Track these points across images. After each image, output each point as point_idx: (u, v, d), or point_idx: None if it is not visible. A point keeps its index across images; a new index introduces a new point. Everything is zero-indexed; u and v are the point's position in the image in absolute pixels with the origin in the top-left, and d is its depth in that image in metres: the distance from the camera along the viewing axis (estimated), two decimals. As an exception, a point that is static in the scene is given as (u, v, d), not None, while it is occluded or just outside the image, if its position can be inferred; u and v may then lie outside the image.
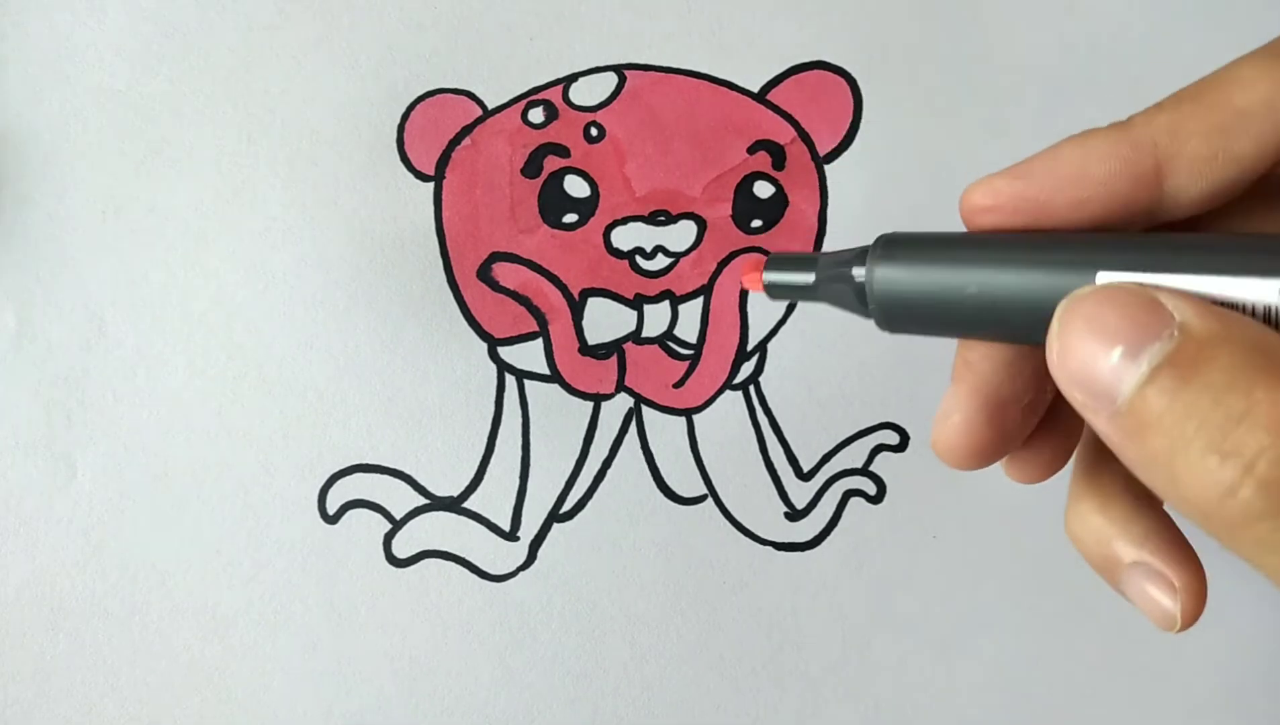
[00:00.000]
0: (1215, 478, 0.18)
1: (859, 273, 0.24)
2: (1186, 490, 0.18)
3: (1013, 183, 0.23)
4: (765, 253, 0.36)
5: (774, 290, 0.27)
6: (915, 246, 0.24)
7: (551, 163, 0.36)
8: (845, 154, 0.37)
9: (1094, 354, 0.19)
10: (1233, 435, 0.17)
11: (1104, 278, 0.20)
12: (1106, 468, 0.27)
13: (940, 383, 0.37)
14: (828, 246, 0.37)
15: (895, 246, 0.24)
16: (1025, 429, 0.26)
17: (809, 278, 0.26)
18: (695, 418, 0.37)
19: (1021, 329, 0.22)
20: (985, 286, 0.22)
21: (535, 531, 0.36)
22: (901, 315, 0.24)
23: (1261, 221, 0.24)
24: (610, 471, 0.36)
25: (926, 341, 0.33)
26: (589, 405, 0.36)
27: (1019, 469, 0.28)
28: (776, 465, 0.37)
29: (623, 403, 0.36)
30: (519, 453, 0.36)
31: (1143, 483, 0.19)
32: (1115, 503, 0.27)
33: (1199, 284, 0.20)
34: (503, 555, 0.36)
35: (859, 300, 0.24)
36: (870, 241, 0.25)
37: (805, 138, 0.36)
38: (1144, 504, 0.28)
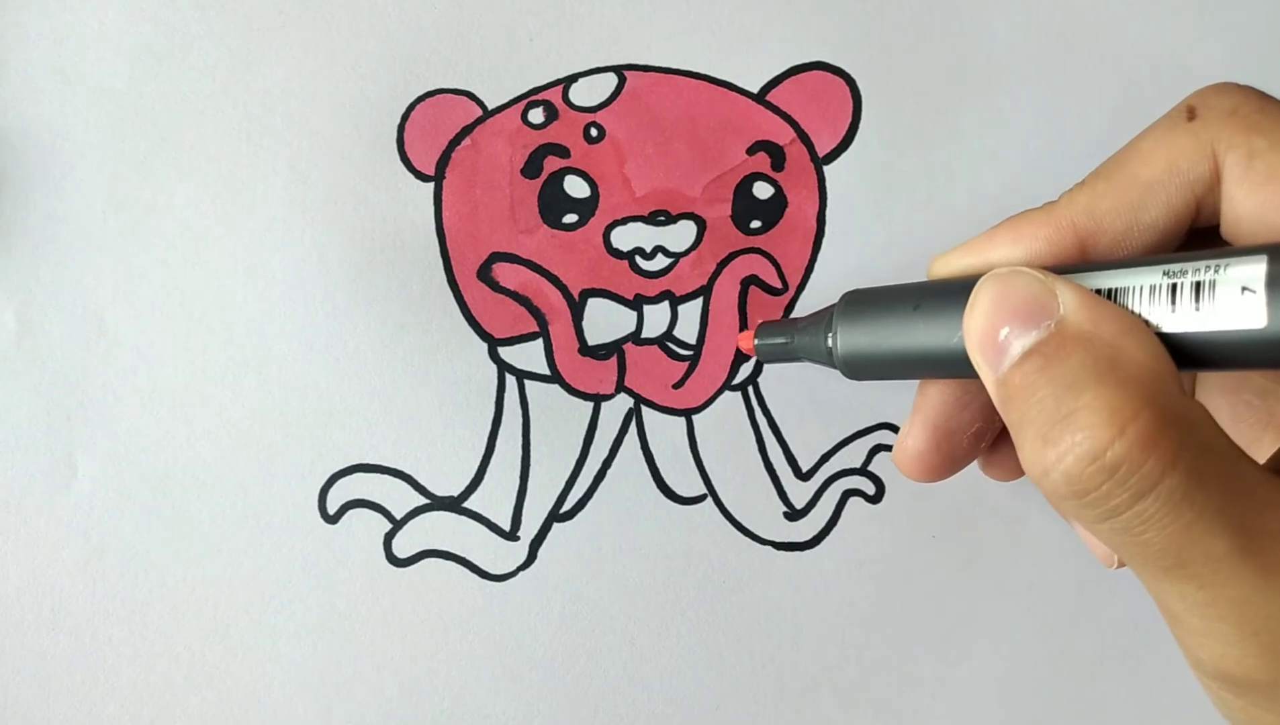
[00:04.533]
0: (1039, 457, 0.21)
1: (829, 339, 0.28)
2: (1023, 459, 0.22)
3: (964, 260, 0.27)
4: (767, 256, 0.36)
5: (763, 352, 0.32)
6: (867, 311, 0.27)
7: (551, 163, 0.36)
8: (844, 155, 0.37)
9: (991, 327, 0.23)
10: (1056, 427, 0.21)
11: None
12: None
13: (940, 383, 0.37)
14: (826, 247, 0.37)
15: (852, 313, 0.27)
16: (973, 452, 0.30)
17: (785, 340, 0.30)
18: (695, 418, 0.37)
19: (962, 369, 0.24)
20: (920, 343, 0.25)
21: (535, 531, 0.36)
22: (862, 371, 0.27)
23: None
24: (610, 471, 0.36)
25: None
26: (589, 405, 0.36)
27: (994, 470, 0.32)
28: (776, 465, 0.37)
29: (622, 403, 0.36)
30: (519, 453, 0.36)
31: None
32: None
33: (1091, 280, 0.23)
34: (503, 555, 0.36)
35: (829, 360, 0.28)
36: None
37: (804, 138, 0.36)
38: None
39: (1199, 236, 0.25)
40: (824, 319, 0.28)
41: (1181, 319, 0.21)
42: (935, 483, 0.30)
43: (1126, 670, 0.38)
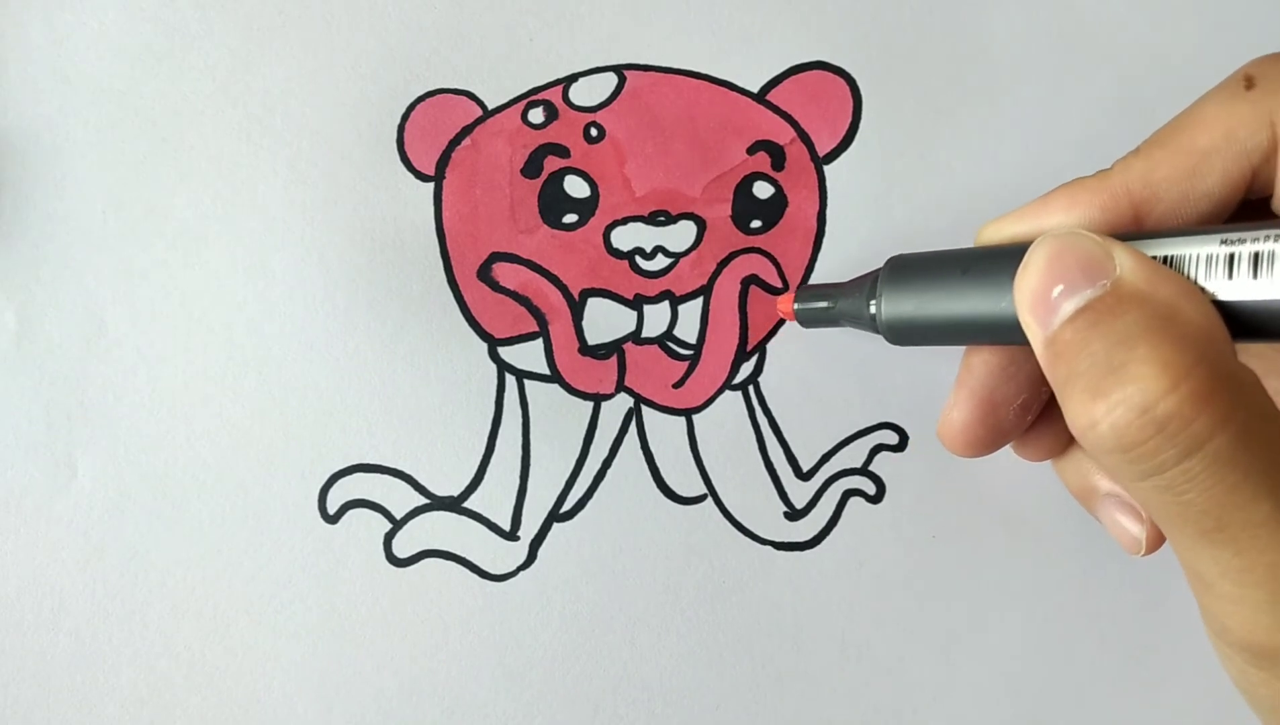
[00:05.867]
0: (1086, 410, 0.21)
1: (871, 306, 0.27)
2: (1069, 415, 0.21)
3: (1015, 226, 0.26)
4: (767, 255, 0.36)
5: (803, 316, 0.31)
6: (913, 275, 0.27)
7: (551, 163, 0.36)
8: (845, 154, 0.37)
9: (1044, 286, 0.22)
10: (1107, 379, 0.20)
11: None
12: None
13: (940, 382, 0.37)
14: (826, 247, 0.37)
15: (897, 277, 0.27)
16: (1019, 426, 0.30)
17: (828, 304, 0.30)
18: (695, 418, 0.37)
19: (1010, 335, 0.24)
20: (970, 309, 0.25)
21: (535, 531, 0.36)
22: (907, 336, 0.27)
23: None
24: (610, 471, 0.36)
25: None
26: (589, 405, 0.36)
27: (1025, 450, 0.32)
28: (776, 465, 0.37)
29: (622, 403, 0.36)
30: (519, 452, 0.36)
31: None
32: None
33: (1147, 247, 0.23)
34: (503, 555, 0.36)
35: (871, 325, 0.28)
36: (873, 267, 0.28)
37: (805, 138, 0.36)
38: None
39: (1249, 208, 0.25)
40: (867, 283, 0.28)
41: (1238, 288, 0.21)
42: (978, 457, 0.30)
43: (1126, 670, 0.38)
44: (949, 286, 0.26)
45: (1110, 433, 0.20)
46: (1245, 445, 0.20)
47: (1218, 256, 0.21)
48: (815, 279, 0.37)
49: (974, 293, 0.25)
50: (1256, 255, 0.21)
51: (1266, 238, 0.21)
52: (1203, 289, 0.21)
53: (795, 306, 0.31)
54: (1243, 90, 0.24)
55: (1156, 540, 0.31)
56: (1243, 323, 0.21)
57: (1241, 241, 0.21)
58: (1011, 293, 0.24)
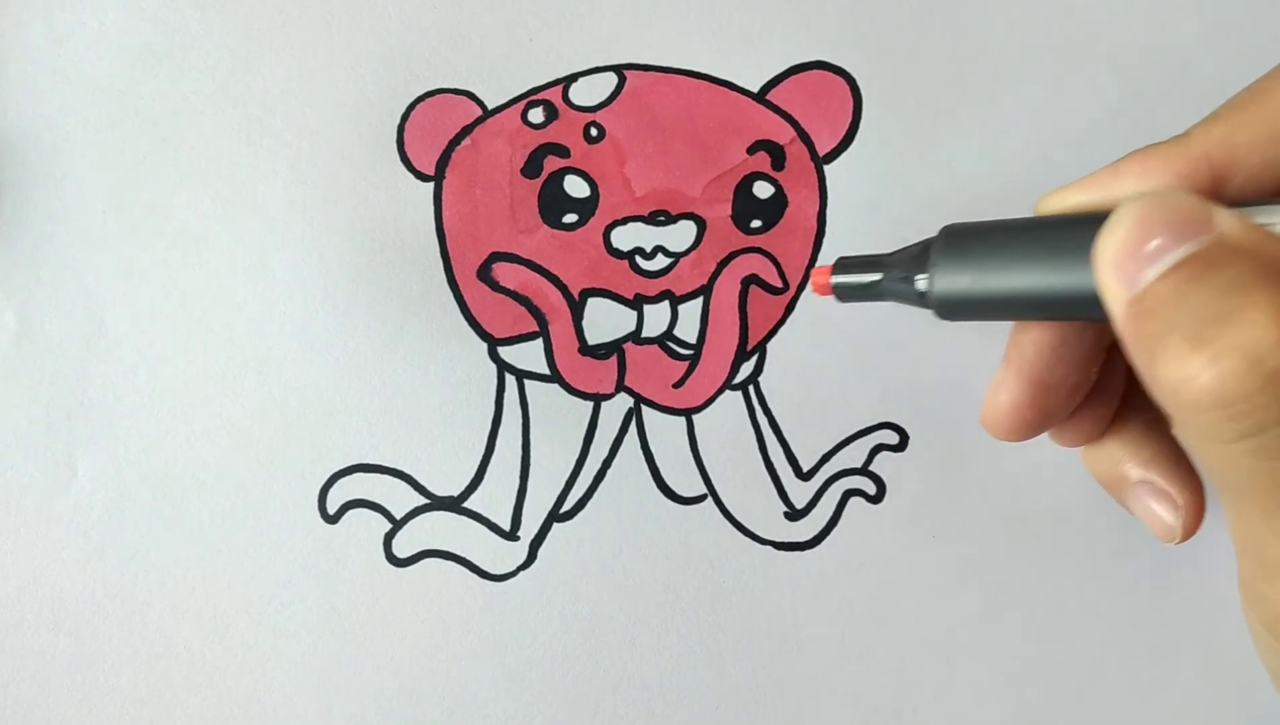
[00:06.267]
0: (1184, 363, 0.19)
1: (920, 280, 0.26)
2: (1158, 372, 0.20)
3: (1081, 195, 0.25)
4: (767, 255, 0.36)
5: (842, 291, 0.29)
6: (971, 244, 0.25)
7: (551, 163, 0.36)
8: (845, 154, 0.37)
9: (1136, 241, 0.21)
10: (1211, 327, 0.19)
11: None
12: (1126, 399, 0.29)
13: (940, 383, 0.37)
14: (827, 247, 0.37)
15: (953, 246, 0.25)
16: (1068, 407, 0.28)
17: (875, 277, 0.28)
18: (695, 417, 0.37)
19: (1075, 307, 0.23)
20: (1038, 280, 0.23)
21: (535, 531, 0.36)
22: (962, 311, 0.25)
23: None
24: (610, 471, 0.36)
25: (926, 343, 0.34)
26: (589, 405, 0.36)
27: (1063, 436, 0.30)
28: (776, 465, 0.37)
29: (622, 403, 0.36)
30: (519, 452, 0.36)
31: (1149, 395, 0.21)
32: (1128, 427, 0.30)
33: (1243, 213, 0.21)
34: (503, 555, 0.36)
35: (920, 298, 0.26)
36: (917, 241, 0.27)
37: (805, 138, 0.36)
38: (1153, 429, 0.30)
39: None
40: (916, 254, 0.27)
41: None
42: (1019, 441, 0.29)
43: (1126, 670, 0.38)
44: (1011, 256, 0.24)
45: (1213, 384, 0.19)
46: None
47: None
48: (815, 279, 0.37)
49: (1040, 262, 0.24)
50: None
51: None
52: None
53: (834, 280, 0.29)
54: None
55: (1192, 527, 0.29)
56: None
57: None
58: (1084, 262, 0.22)
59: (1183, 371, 0.19)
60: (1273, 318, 0.19)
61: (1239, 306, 0.19)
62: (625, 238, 0.36)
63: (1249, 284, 0.19)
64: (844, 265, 0.28)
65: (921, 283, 0.26)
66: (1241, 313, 0.19)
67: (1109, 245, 0.21)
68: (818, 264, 0.36)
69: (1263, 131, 0.23)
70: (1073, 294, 0.23)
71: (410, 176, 0.35)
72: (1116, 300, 0.21)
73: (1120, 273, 0.21)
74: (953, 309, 0.26)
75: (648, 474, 0.36)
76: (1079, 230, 0.23)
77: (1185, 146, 0.24)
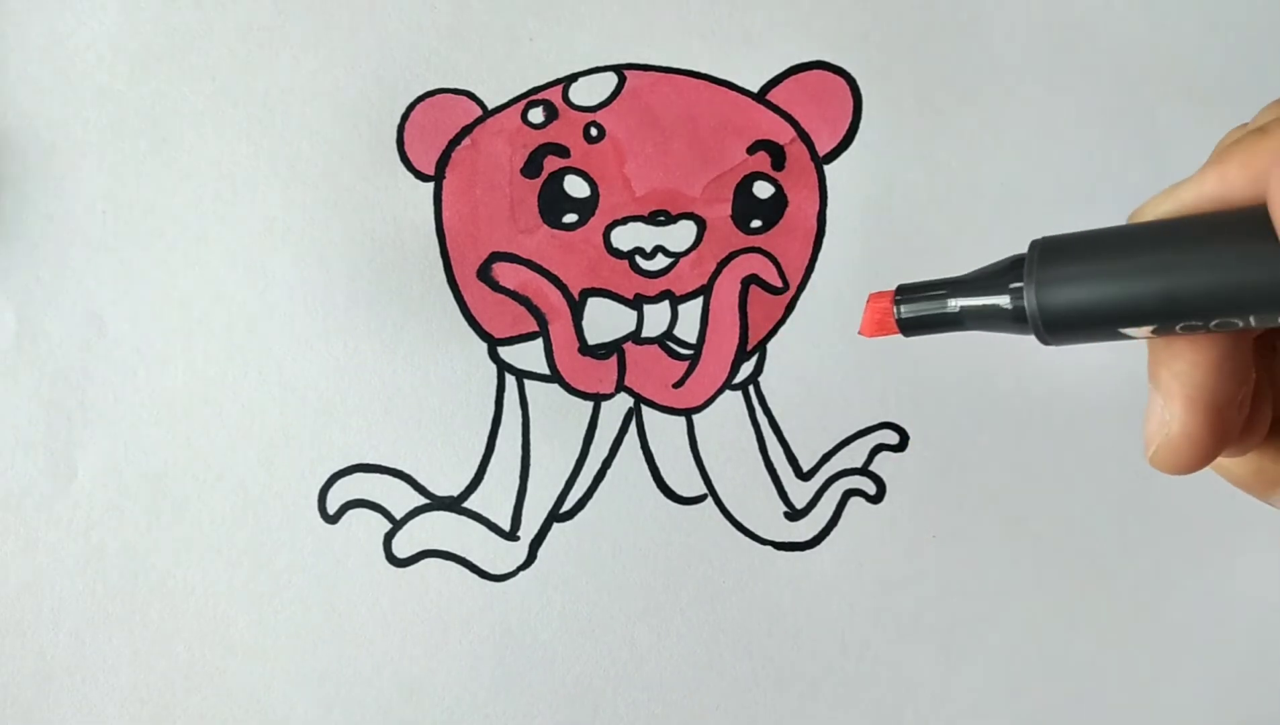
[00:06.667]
0: None
1: (1013, 299, 0.23)
2: None
3: (1184, 207, 0.23)
4: (767, 255, 0.36)
5: (910, 324, 0.25)
6: (1075, 255, 0.23)
7: (551, 163, 0.36)
8: (845, 154, 0.37)
9: None
10: None
11: None
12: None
13: (939, 383, 0.37)
14: (827, 246, 0.37)
15: (1055, 259, 0.23)
16: (1241, 422, 0.26)
17: (952, 306, 0.24)
18: (695, 417, 0.37)
19: (1219, 310, 0.21)
20: (1184, 296, 0.22)
21: (535, 531, 0.36)
22: (1071, 328, 0.23)
23: None
24: (610, 471, 0.36)
25: (926, 343, 0.33)
26: (589, 405, 0.36)
27: (1238, 446, 0.27)
28: (776, 465, 0.37)
29: (622, 402, 0.36)
30: (519, 452, 0.36)
31: None
32: (1272, 432, 0.27)
33: None
34: (503, 555, 0.36)
35: (1014, 320, 0.24)
36: (988, 263, 0.24)
37: (805, 138, 0.36)
38: None
39: None
40: (1003, 271, 0.24)
41: None
42: (1200, 470, 0.26)
43: (1126, 670, 0.38)
44: (1129, 260, 0.22)
45: None
46: None
47: None
48: (816, 279, 0.37)
49: (1169, 261, 0.21)
50: None
51: None
52: None
53: (903, 313, 0.24)
54: None
55: None
56: None
57: None
58: (1230, 255, 0.20)
59: None
60: None
61: None
62: (625, 238, 0.36)
63: None
64: (910, 293, 0.24)
65: (1012, 302, 0.23)
66: None
67: None
68: (812, 277, 0.36)
69: None
70: (1222, 286, 0.21)
71: (410, 176, 0.35)
72: None
73: None
74: (1062, 325, 0.23)
75: (648, 474, 0.36)
76: (1209, 221, 0.21)
77: (1267, 143, 0.21)
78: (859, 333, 0.26)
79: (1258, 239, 0.21)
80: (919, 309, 0.25)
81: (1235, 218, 0.21)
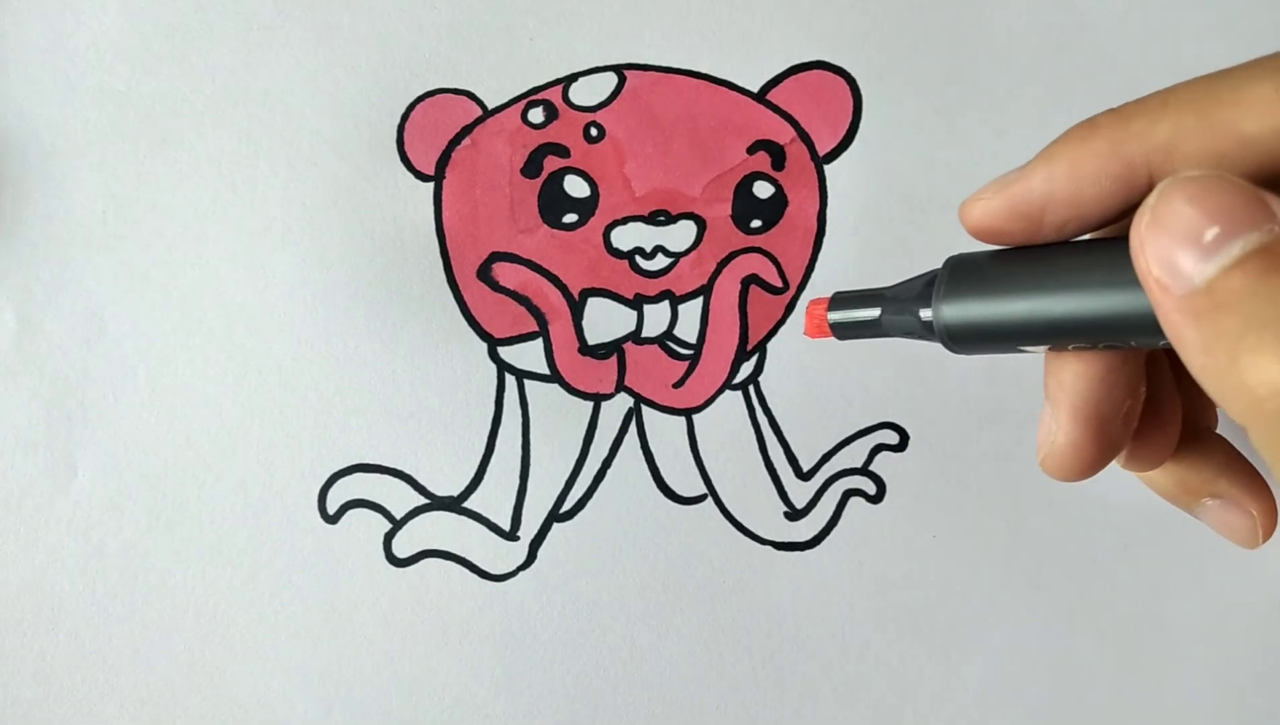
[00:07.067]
0: (1270, 373, 0.18)
1: (925, 313, 0.25)
2: (1241, 375, 0.18)
3: (1008, 204, 0.23)
4: (767, 255, 0.36)
5: (841, 329, 0.27)
6: (980, 274, 0.24)
7: (551, 163, 0.36)
8: (845, 154, 0.37)
9: (1187, 230, 0.19)
10: None
11: None
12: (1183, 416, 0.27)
13: (939, 383, 0.37)
14: (827, 246, 0.37)
15: (962, 277, 0.24)
16: (1128, 434, 0.26)
17: (874, 313, 0.26)
18: (695, 417, 0.37)
19: (1101, 331, 0.22)
20: (1064, 306, 0.22)
21: (535, 531, 0.36)
22: (973, 342, 0.24)
23: None
24: (610, 471, 0.36)
25: (926, 343, 0.34)
26: (589, 405, 0.36)
27: (1134, 462, 0.28)
28: (776, 465, 0.37)
29: (622, 402, 0.36)
30: (519, 452, 0.36)
31: (1193, 374, 0.19)
32: (1189, 444, 0.28)
33: None
34: (503, 555, 0.36)
35: (928, 332, 0.25)
36: (917, 274, 0.26)
37: (805, 138, 0.36)
38: (1212, 441, 0.29)
39: None
40: (921, 287, 0.25)
41: None
42: (1085, 479, 0.27)
43: (1126, 670, 0.38)
44: (1025, 280, 0.23)
45: None
46: None
47: None
48: (816, 279, 0.37)
49: (1059, 283, 0.22)
50: None
51: None
52: None
53: (832, 317, 0.27)
54: None
55: (1270, 529, 0.28)
56: None
57: None
58: (1107, 279, 0.21)
59: (1270, 384, 0.18)
60: None
61: None
62: (625, 237, 0.36)
63: None
64: (842, 301, 0.27)
65: (927, 314, 0.25)
66: None
67: (1155, 236, 0.19)
68: (812, 276, 0.36)
69: (1210, 148, 0.21)
70: (1098, 314, 0.22)
71: (410, 176, 0.35)
72: (1165, 295, 0.19)
73: (1171, 264, 0.19)
74: (964, 339, 0.24)
75: (648, 474, 0.36)
76: (1097, 250, 0.22)
77: (1123, 150, 0.22)
78: (804, 333, 0.29)
79: (1101, 263, 0.21)
80: (847, 317, 0.27)
81: (1115, 248, 0.22)
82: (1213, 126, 0.21)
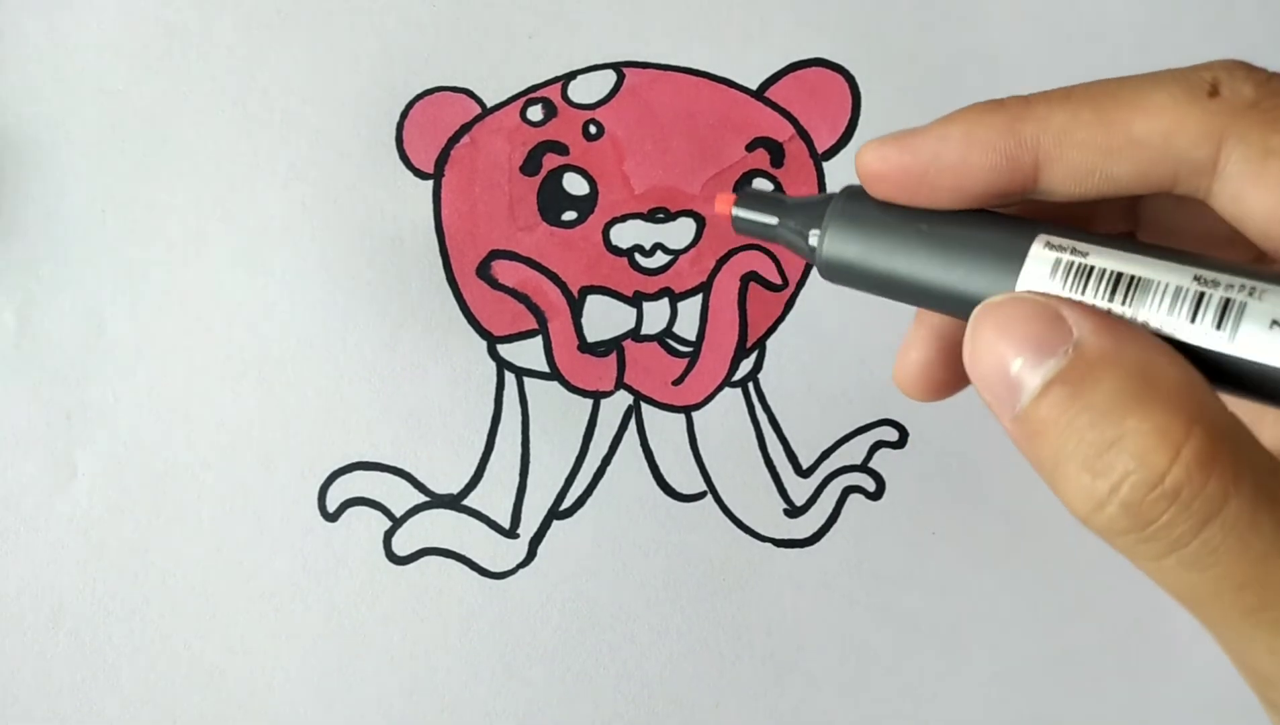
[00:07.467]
0: (1088, 491, 0.19)
1: (813, 235, 0.25)
2: (1065, 497, 0.20)
3: (901, 155, 0.24)
4: (767, 252, 0.36)
5: (740, 225, 0.28)
6: (865, 217, 0.25)
7: (550, 160, 0.36)
8: (844, 151, 0.37)
9: (999, 360, 0.21)
10: (1105, 457, 0.19)
11: (1029, 265, 0.22)
12: None
13: (939, 379, 0.37)
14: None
15: (850, 214, 0.25)
16: None
17: (772, 221, 0.27)
18: (694, 415, 0.37)
19: (952, 310, 0.23)
20: (920, 273, 0.23)
21: (535, 529, 0.36)
22: (844, 278, 0.25)
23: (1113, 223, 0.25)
24: (610, 469, 0.36)
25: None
26: (588, 403, 0.36)
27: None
28: (776, 462, 0.37)
29: (622, 400, 0.36)
30: (519, 450, 0.36)
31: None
32: None
33: (1118, 261, 0.21)
34: (503, 553, 0.36)
35: (810, 253, 0.26)
36: (823, 194, 0.26)
37: (804, 135, 0.37)
38: None
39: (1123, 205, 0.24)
40: (817, 210, 0.26)
41: (1199, 333, 0.20)
42: (935, 401, 0.28)
43: (1127, 669, 0.38)
44: (904, 243, 0.24)
45: (1122, 512, 0.19)
46: (1263, 505, 0.18)
47: (1187, 292, 0.20)
48: (816, 276, 0.37)
49: (931, 259, 0.23)
50: (1226, 302, 0.20)
51: (1242, 287, 0.20)
52: (1165, 335, 0.20)
53: (735, 212, 0.27)
54: (1203, 95, 0.21)
55: None
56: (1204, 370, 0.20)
57: (1215, 283, 0.20)
58: (971, 267, 0.22)
59: (1088, 500, 0.19)
60: (1156, 441, 0.19)
61: (1121, 433, 0.19)
62: (624, 235, 0.36)
63: (1122, 404, 0.19)
64: (747, 199, 0.27)
65: (813, 239, 0.25)
66: (1124, 440, 0.19)
67: (975, 366, 0.21)
68: (811, 275, 0.36)
69: (1101, 143, 0.22)
70: (959, 298, 0.22)
71: (409, 174, 0.35)
72: (1000, 416, 0.21)
73: (994, 394, 0.21)
74: (836, 274, 0.25)
75: (647, 471, 0.36)
76: (977, 232, 0.23)
77: (1017, 125, 0.23)
78: (714, 211, 0.29)
79: (992, 257, 0.22)
80: (749, 215, 0.27)
81: (988, 236, 0.23)
82: (1106, 122, 0.22)
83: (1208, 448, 0.18)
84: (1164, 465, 0.18)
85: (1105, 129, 0.22)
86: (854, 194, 0.25)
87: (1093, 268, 0.22)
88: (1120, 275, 0.21)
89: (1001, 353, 0.21)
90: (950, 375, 0.27)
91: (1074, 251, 0.21)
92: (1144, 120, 0.22)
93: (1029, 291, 0.21)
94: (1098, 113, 0.22)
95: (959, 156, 0.23)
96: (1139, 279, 0.21)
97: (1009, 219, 0.23)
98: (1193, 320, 0.20)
